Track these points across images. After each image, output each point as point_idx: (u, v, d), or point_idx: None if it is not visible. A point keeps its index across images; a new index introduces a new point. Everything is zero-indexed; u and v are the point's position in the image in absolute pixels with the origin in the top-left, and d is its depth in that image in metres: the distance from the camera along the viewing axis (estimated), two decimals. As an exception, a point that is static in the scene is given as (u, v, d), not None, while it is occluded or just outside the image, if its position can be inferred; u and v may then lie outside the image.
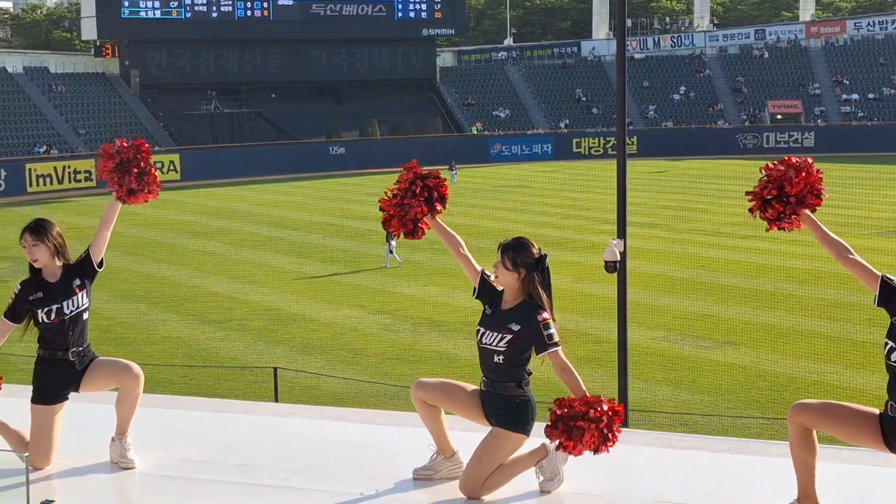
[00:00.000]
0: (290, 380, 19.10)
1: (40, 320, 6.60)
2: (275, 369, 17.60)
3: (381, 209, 6.39)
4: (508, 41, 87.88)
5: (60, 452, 6.65)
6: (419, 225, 6.36)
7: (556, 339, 6.01)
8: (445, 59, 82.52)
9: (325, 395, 18.58)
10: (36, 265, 6.62)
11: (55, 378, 6.65)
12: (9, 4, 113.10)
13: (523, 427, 6.10)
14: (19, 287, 6.64)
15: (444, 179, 6.42)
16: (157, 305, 26.97)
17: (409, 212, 6.29)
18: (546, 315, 6.04)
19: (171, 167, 60.04)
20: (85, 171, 56.09)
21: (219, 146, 65.41)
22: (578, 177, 58.75)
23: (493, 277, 6.20)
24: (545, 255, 6.17)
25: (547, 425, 5.85)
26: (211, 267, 32.42)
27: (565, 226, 38.95)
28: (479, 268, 6.31)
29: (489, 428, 6.16)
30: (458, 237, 6.39)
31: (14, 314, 6.64)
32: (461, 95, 77.50)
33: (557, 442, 5.84)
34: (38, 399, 6.64)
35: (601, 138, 71.05)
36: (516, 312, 6.07)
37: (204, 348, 22.53)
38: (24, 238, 6.61)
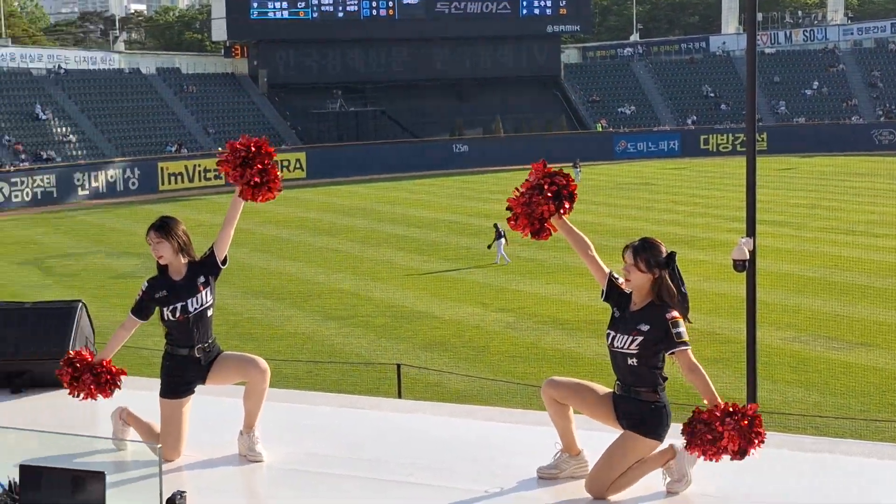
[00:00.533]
0: (414, 376, 19.18)
1: (166, 318, 6.74)
2: (398, 366, 17.69)
3: (508, 208, 6.35)
4: (634, 37, 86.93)
5: (190, 445, 6.77)
6: (546, 225, 6.29)
7: (685, 337, 5.89)
8: (570, 55, 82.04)
9: (447, 393, 18.62)
10: (161, 262, 6.77)
11: (181, 372, 6.77)
12: (143, 7, 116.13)
13: (657, 433, 5.99)
14: (146, 284, 6.79)
15: (573, 178, 6.34)
16: (283, 301, 27.38)
17: (536, 210, 6.23)
18: (675, 314, 5.92)
19: (297, 165, 60.96)
20: (214, 170, 57.19)
21: (344, 144, 66.16)
22: (706, 174, 57.83)
23: (621, 280, 6.11)
24: (674, 253, 6.06)
25: (685, 434, 5.73)
26: (335, 264, 32.78)
27: (692, 224, 38.38)
28: (607, 270, 6.22)
29: (618, 430, 6.07)
30: (585, 238, 6.32)
31: (141, 311, 6.80)
32: (586, 92, 76.98)
33: (687, 443, 5.73)
34: (165, 392, 6.78)
35: (730, 135, 69.85)
36: (645, 313, 5.97)
37: (328, 344, 22.78)
38: (150, 236, 6.77)
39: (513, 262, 31.51)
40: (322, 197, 51.51)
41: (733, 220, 35.42)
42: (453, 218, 42.26)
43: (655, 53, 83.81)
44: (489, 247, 32.44)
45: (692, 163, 64.89)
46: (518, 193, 6.33)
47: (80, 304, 8.58)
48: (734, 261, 12.58)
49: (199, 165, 58.23)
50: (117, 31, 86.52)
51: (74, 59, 66.55)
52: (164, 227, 6.75)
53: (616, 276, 6.13)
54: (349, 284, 29.33)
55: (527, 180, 6.32)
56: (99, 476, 4.96)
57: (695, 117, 74.58)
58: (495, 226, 32.53)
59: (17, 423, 7.07)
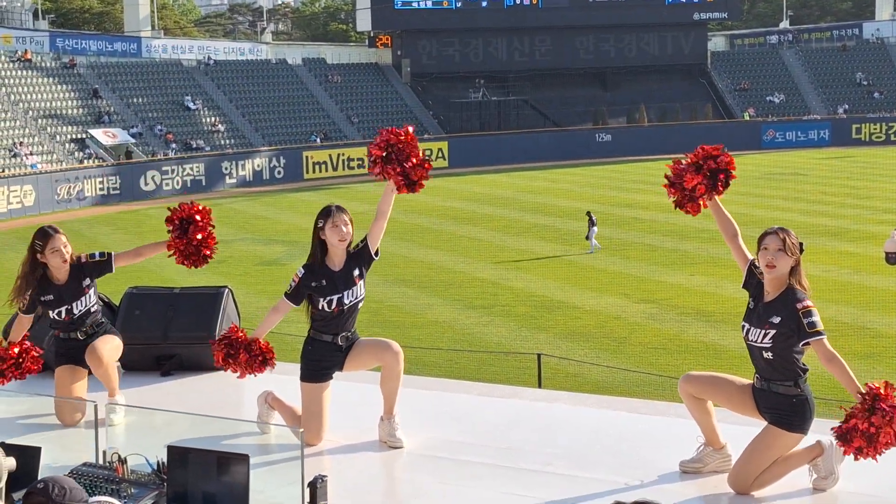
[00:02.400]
0: (554, 366, 19.11)
1: (320, 307, 6.78)
2: (538, 356, 17.64)
3: (666, 176, 6.27)
4: (784, 24, 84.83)
5: (331, 430, 6.85)
6: (696, 200, 6.20)
7: (819, 327, 5.72)
8: (717, 43, 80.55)
9: (588, 383, 18.50)
10: (340, 245, 6.74)
11: (321, 357, 6.85)
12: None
13: (801, 427, 5.84)
14: (302, 272, 6.79)
15: (733, 164, 6.21)
16: (425, 290, 27.57)
17: (688, 184, 6.15)
18: (808, 303, 5.76)
19: (440, 154, 61.30)
20: (358, 159, 58.00)
21: (486, 133, 66.27)
22: (858, 164, 56.13)
23: (761, 268, 5.97)
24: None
25: (837, 435, 5.56)
26: (476, 253, 32.87)
27: (843, 215, 37.31)
28: (750, 256, 6.10)
29: (762, 422, 5.93)
30: (735, 224, 6.23)
31: (295, 296, 6.83)
32: (733, 80, 75.50)
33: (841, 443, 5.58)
34: (306, 377, 6.86)
35: (883, 124, 67.70)
36: (777, 304, 5.84)
37: (469, 333, 22.85)
38: (342, 217, 6.75)
39: (656, 253, 31.12)
40: (464, 186, 51.70)
41: (886, 213, 34.31)
42: (595, 207, 41.92)
43: (806, 41, 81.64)
44: (587, 237, 32.31)
45: (843, 152, 63.08)
46: (677, 165, 6.23)
47: (227, 289, 8.76)
48: (886, 253, 12.20)
49: (343, 154, 59.05)
50: (265, 23, 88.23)
51: (223, 50, 68.15)
52: (347, 211, 6.81)
53: (757, 264, 5.99)
54: (490, 273, 29.37)
55: (693, 154, 6.23)
56: (243, 458, 5.06)
57: (846, 106, 72.46)
58: (588, 213, 32.59)
59: (165, 405, 7.26)
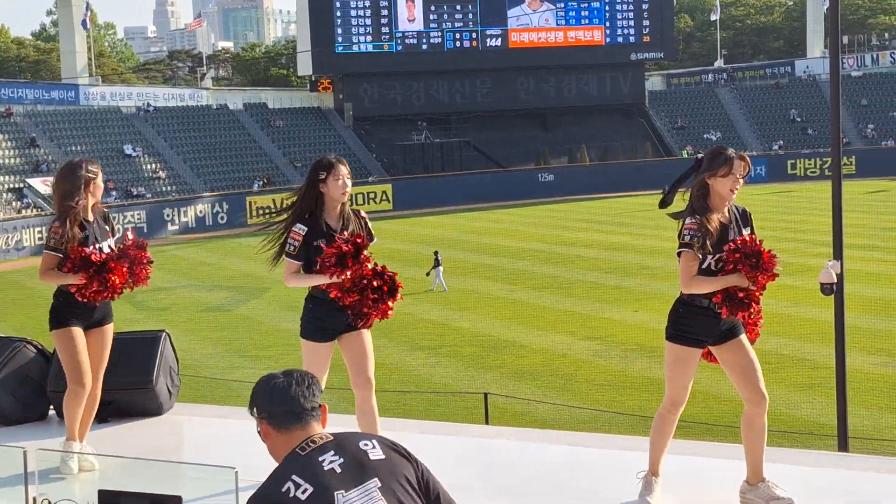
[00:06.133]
0: (501, 406, 19.17)
1: (320, 266, 6.56)
2: (485, 395, 17.70)
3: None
4: (719, 63, 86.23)
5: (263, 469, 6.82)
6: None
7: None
8: (654, 82, 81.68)
9: (535, 421, 18.56)
10: (345, 197, 6.60)
11: (323, 316, 6.73)
12: (230, 44, 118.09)
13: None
14: (302, 227, 6.58)
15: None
16: (372, 332, 27.49)
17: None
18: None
19: (384, 197, 61.47)
20: (302, 203, 57.91)
21: (429, 175, 66.54)
22: (794, 198, 57.03)
23: (724, 192, 6.10)
24: None
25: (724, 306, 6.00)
26: (422, 294, 32.91)
27: (781, 249, 37.41)
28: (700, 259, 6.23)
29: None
30: None
31: (299, 255, 6.61)
32: (671, 119, 76.53)
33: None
34: (306, 334, 6.79)
35: (817, 159, 68.90)
36: (734, 224, 6.26)
37: (416, 374, 22.86)
38: (341, 169, 6.59)
39: (600, 290, 31.36)
40: (408, 228, 51.81)
41: (821, 245, 34.85)
42: (539, 247, 42.21)
43: (740, 79, 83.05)
44: (427, 274, 33.42)
45: (779, 187, 64.04)
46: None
47: (164, 333, 8.72)
48: (821, 284, 12.39)
49: (287, 199, 58.90)
50: (205, 69, 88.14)
51: (163, 96, 67.98)
52: (346, 163, 6.71)
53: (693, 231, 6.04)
54: (436, 314, 29.42)
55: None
56: (176, 500, 5.04)
57: (781, 142, 73.68)
58: (435, 253, 33.46)
59: (103, 451, 7.21)
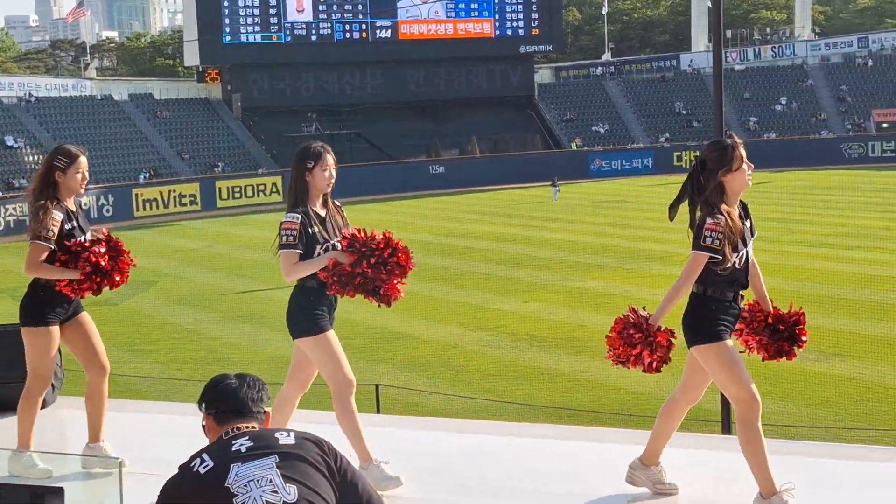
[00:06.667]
0: (393, 397, 19.21)
1: (316, 254, 6.55)
2: (377, 386, 17.71)
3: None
4: (606, 56, 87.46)
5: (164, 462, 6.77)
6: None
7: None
8: (543, 75, 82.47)
9: (426, 411, 18.63)
10: (330, 187, 6.57)
11: (322, 306, 6.70)
12: (114, 34, 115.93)
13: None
14: (297, 216, 6.46)
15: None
16: (263, 326, 27.33)
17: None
18: None
19: (274, 189, 60.97)
20: (190, 195, 57.23)
21: (320, 167, 66.04)
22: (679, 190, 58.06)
23: (738, 184, 6.28)
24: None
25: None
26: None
27: (668, 240, 38.51)
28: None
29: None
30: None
31: (298, 244, 6.54)
32: (560, 111, 77.35)
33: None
34: (314, 330, 6.71)
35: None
36: (743, 217, 6.56)
37: (308, 366, 22.72)
38: (329, 159, 6.54)
39: (490, 281, 31.59)
40: (298, 220, 51.37)
41: (707, 236, 35.57)
42: (429, 239, 42.33)
43: (627, 72, 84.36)
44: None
45: (666, 179, 65.22)
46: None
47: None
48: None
49: (175, 191, 58.14)
50: (89, 59, 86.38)
51: (45, 86, 66.45)
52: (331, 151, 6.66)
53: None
54: (326, 307, 29.28)
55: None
56: (58, 492, 4.98)
57: (668, 134, 75.04)
58: None
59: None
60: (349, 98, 72.08)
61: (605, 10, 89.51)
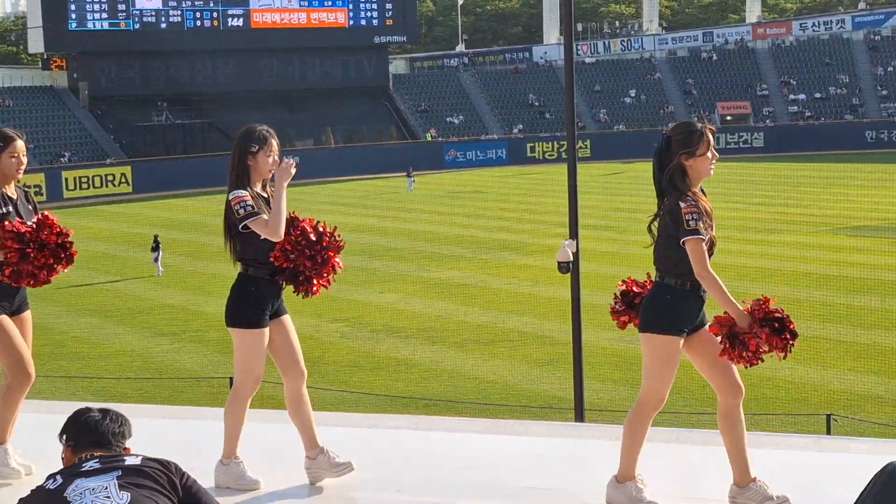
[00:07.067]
0: (247, 389, 18.96)
1: (263, 238, 6.38)
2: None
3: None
4: (460, 47, 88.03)
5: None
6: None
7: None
8: (398, 66, 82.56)
9: (281, 403, 18.46)
10: (271, 174, 6.36)
11: (267, 297, 6.54)
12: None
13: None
14: (245, 192, 6.30)
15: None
16: (111, 319, 26.75)
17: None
18: None
19: (123, 179, 59.62)
20: (35, 185, 55.52)
21: (171, 157, 64.97)
22: (533, 181, 58.95)
23: (705, 171, 6.07)
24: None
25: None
26: (164, 279, 32.21)
27: (521, 230, 39.03)
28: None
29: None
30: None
31: (259, 211, 6.35)
32: (414, 102, 77.54)
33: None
34: (254, 322, 6.58)
35: (555, 143, 71.30)
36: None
37: (159, 361, 22.35)
38: (274, 145, 6.52)
39: (346, 272, 31.35)
40: (150, 211, 50.48)
41: (560, 226, 36.15)
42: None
43: (481, 63, 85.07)
44: (154, 261, 33.50)
45: (519, 170, 66.03)
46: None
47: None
48: (559, 263, 12.88)
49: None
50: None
51: None
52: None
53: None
54: (179, 299, 28.84)
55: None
56: None
57: (521, 126, 75.94)
58: (155, 237, 34.14)
59: None
60: (201, 87, 70.87)
61: (459, 2, 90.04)
